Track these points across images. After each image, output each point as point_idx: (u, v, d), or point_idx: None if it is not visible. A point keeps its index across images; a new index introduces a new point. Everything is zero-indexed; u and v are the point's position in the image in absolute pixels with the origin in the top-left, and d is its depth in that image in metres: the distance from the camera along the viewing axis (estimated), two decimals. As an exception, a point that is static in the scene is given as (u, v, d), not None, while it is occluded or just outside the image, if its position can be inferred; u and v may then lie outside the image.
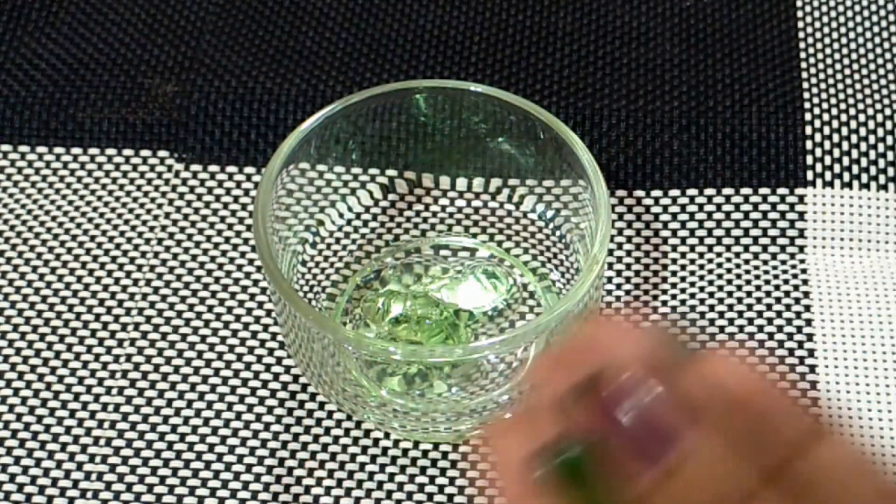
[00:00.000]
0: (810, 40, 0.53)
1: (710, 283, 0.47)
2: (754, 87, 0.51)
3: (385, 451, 0.44)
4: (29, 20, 0.54)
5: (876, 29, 0.53)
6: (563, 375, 0.29)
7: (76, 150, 0.51)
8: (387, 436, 0.45)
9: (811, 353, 0.46)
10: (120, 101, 0.52)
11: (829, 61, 0.52)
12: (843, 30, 0.53)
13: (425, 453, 0.44)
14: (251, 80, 0.52)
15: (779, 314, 0.47)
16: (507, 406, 0.43)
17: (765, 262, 0.48)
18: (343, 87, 0.52)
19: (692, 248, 0.48)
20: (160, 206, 0.50)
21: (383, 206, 0.49)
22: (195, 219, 0.49)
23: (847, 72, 0.52)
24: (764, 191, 0.49)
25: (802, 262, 0.48)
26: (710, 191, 0.49)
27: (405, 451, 0.44)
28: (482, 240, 0.48)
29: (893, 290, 0.47)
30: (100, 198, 0.50)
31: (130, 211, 0.50)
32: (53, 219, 0.50)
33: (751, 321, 0.46)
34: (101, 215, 0.50)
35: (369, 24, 0.54)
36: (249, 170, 0.50)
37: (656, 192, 0.49)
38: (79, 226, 0.49)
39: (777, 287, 0.47)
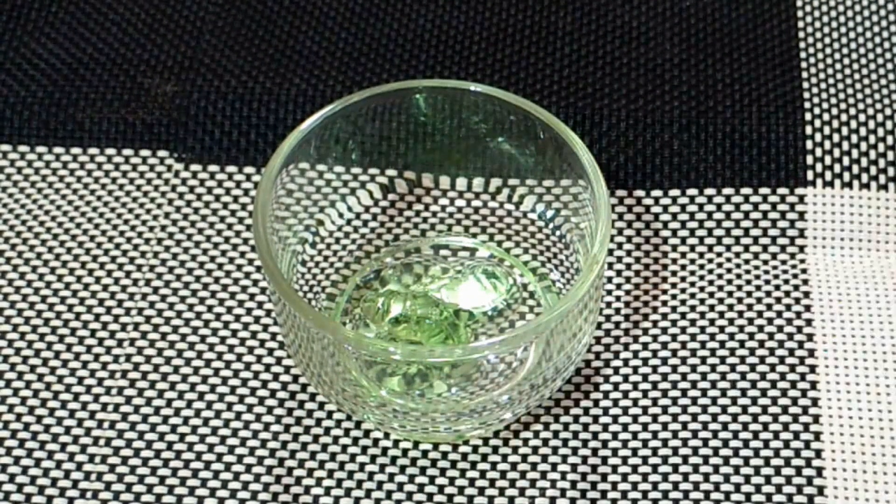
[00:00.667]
0: (810, 40, 0.53)
1: (710, 283, 0.47)
2: (754, 87, 0.51)
3: (385, 451, 0.44)
4: (29, 20, 0.54)
5: (876, 29, 0.53)
6: None
7: (76, 150, 0.51)
8: (387, 436, 0.45)
9: (811, 353, 0.46)
10: (120, 101, 0.52)
11: (829, 61, 0.52)
12: (843, 30, 0.53)
13: (425, 453, 0.44)
14: (251, 80, 0.52)
15: (779, 314, 0.47)
16: (507, 406, 0.43)
17: (765, 262, 0.48)
18: (343, 87, 0.52)
19: (692, 248, 0.48)
20: (160, 206, 0.50)
21: (383, 206, 0.49)
22: (195, 219, 0.49)
23: (847, 72, 0.52)
24: (764, 191, 0.49)
25: (802, 262, 0.48)
26: (710, 191, 0.49)
27: (405, 451, 0.44)
28: (482, 240, 0.48)
29: (893, 290, 0.47)
30: (99, 198, 0.50)
31: (130, 211, 0.50)
32: (53, 219, 0.50)
33: (751, 321, 0.46)
34: (101, 215, 0.50)
35: (369, 24, 0.54)
36: (249, 170, 0.50)
37: (656, 192, 0.49)
38: (78, 226, 0.49)
39: (777, 287, 0.47)
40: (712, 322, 0.46)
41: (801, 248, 0.48)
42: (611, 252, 0.48)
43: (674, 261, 0.48)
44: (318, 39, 0.54)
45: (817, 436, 0.44)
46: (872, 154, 0.49)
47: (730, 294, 0.47)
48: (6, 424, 0.45)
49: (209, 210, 0.50)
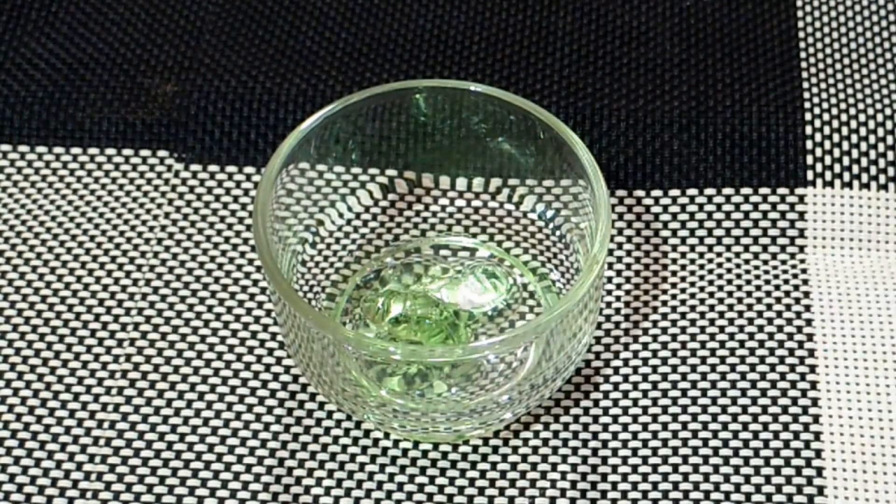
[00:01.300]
0: (810, 40, 0.53)
1: (710, 283, 0.47)
2: (754, 87, 0.51)
3: (385, 451, 0.44)
4: (29, 20, 0.54)
5: (876, 29, 0.53)
6: None
7: (76, 150, 0.51)
8: (387, 436, 0.45)
9: (811, 353, 0.46)
10: (120, 101, 0.52)
11: (829, 61, 0.52)
12: (843, 30, 0.53)
13: (425, 453, 0.44)
14: (251, 80, 0.52)
15: (779, 314, 0.47)
16: (507, 406, 0.43)
17: (765, 262, 0.48)
18: (343, 87, 0.52)
19: (692, 248, 0.48)
20: (160, 206, 0.50)
21: (383, 206, 0.49)
22: (195, 219, 0.49)
23: (847, 72, 0.52)
24: (764, 191, 0.49)
25: (802, 262, 0.48)
26: (710, 191, 0.49)
27: (405, 451, 0.44)
28: (482, 240, 0.48)
29: (893, 290, 0.47)
30: (99, 198, 0.50)
31: (130, 211, 0.50)
32: (53, 219, 0.50)
33: (751, 321, 0.46)
34: (101, 215, 0.50)
35: (369, 24, 0.54)
36: (249, 170, 0.50)
37: (656, 192, 0.49)
38: (78, 226, 0.49)
39: (777, 287, 0.47)
40: (712, 322, 0.46)
41: (801, 248, 0.48)
42: (611, 252, 0.48)
43: (674, 261, 0.48)
44: (318, 39, 0.54)
45: (817, 436, 0.44)
46: (872, 154, 0.49)
47: (730, 294, 0.47)
48: (6, 424, 0.45)
49: (209, 210, 0.50)
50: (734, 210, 0.49)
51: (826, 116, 0.50)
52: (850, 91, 0.51)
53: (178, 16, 0.55)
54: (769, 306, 0.47)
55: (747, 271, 0.48)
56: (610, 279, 0.48)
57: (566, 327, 0.41)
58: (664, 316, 0.47)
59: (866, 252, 0.48)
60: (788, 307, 0.47)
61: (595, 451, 0.44)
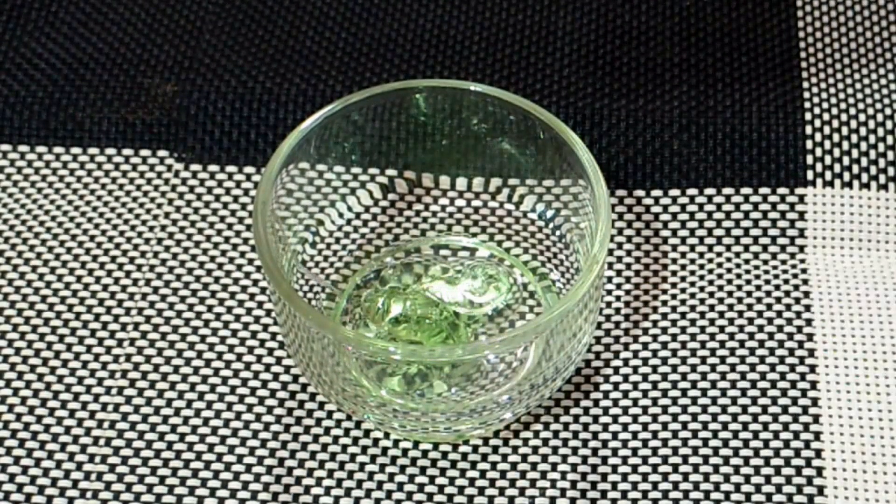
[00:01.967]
0: (810, 40, 0.53)
1: (710, 283, 0.47)
2: (754, 87, 0.51)
3: (385, 451, 0.44)
4: (29, 20, 0.54)
5: (876, 29, 0.53)
6: None
7: (76, 150, 0.51)
8: (387, 436, 0.45)
9: (811, 353, 0.46)
10: (120, 100, 0.52)
11: (829, 61, 0.52)
12: (843, 30, 0.53)
13: (425, 453, 0.44)
14: (251, 80, 0.52)
15: (779, 314, 0.47)
16: (507, 406, 0.43)
17: (765, 262, 0.48)
18: (343, 87, 0.52)
19: (692, 248, 0.48)
20: (160, 205, 0.50)
21: (383, 206, 0.49)
22: (195, 219, 0.49)
23: (847, 72, 0.52)
24: (764, 191, 0.49)
25: (802, 262, 0.48)
26: (710, 191, 0.49)
27: (405, 451, 0.44)
28: (482, 240, 0.48)
29: (893, 290, 0.47)
30: (99, 198, 0.50)
31: (130, 211, 0.50)
32: (53, 219, 0.50)
33: (751, 321, 0.46)
34: (101, 215, 0.50)
35: (369, 24, 0.54)
36: (249, 169, 0.50)
37: (656, 192, 0.49)
38: (78, 226, 0.49)
39: (777, 287, 0.47)
40: (712, 322, 0.46)
41: (801, 248, 0.48)
42: (611, 252, 0.48)
43: (674, 261, 0.48)
44: (318, 39, 0.54)
45: (817, 436, 0.44)
46: (872, 154, 0.49)
47: (730, 294, 0.47)
48: (6, 424, 0.45)
49: (209, 210, 0.50)
50: (734, 210, 0.49)
51: (826, 116, 0.50)
52: (850, 91, 0.51)
53: (178, 16, 0.55)
54: (769, 306, 0.47)
55: (747, 271, 0.48)
56: (610, 279, 0.48)
57: (566, 327, 0.41)
58: (664, 316, 0.47)
59: (866, 252, 0.48)
60: (788, 307, 0.47)
61: (595, 451, 0.44)
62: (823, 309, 0.47)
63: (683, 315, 0.47)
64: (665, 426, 0.44)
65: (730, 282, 0.47)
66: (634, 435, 0.44)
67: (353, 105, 0.45)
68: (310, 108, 0.51)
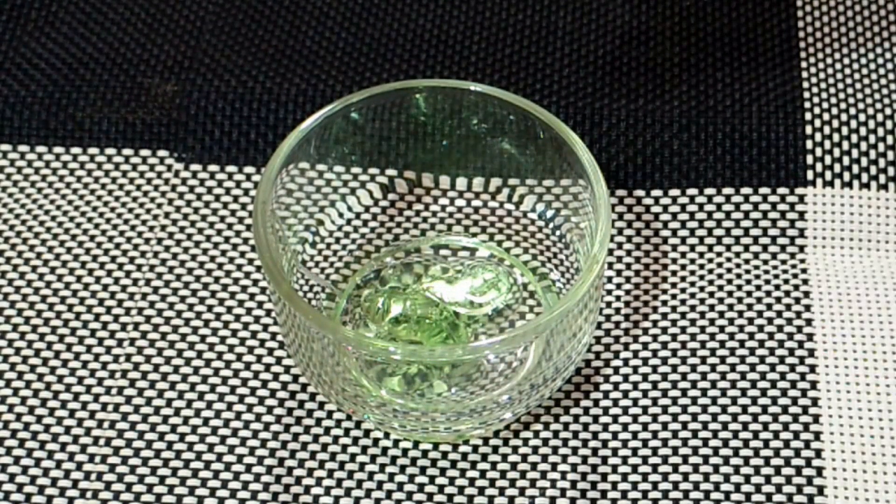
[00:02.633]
0: (810, 40, 0.53)
1: (710, 283, 0.47)
2: (754, 87, 0.51)
3: (385, 451, 0.44)
4: (29, 20, 0.54)
5: (876, 29, 0.53)
6: None
7: (76, 150, 0.51)
8: (387, 436, 0.45)
9: (811, 352, 0.46)
10: (120, 100, 0.52)
11: (829, 61, 0.52)
12: (843, 30, 0.53)
13: (425, 453, 0.44)
14: (251, 80, 0.52)
15: (779, 314, 0.47)
16: (507, 406, 0.43)
17: (765, 262, 0.48)
18: (343, 87, 0.52)
19: (692, 248, 0.48)
20: (160, 205, 0.50)
21: (383, 206, 0.49)
22: (195, 219, 0.49)
23: (847, 72, 0.52)
24: (764, 190, 0.49)
25: (802, 262, 0.48)
26: (710, 191, 0.49)
27: (405, 451, 0.44)
28: (482, 240, 0.48)
29: (893, 290, 0.47)
30: (99, 197, 0.50)
31: (130, 211, 0.50)
32: (53, 219, 0.50)
33: (751, 321, 0.46)
34: (101, 215, 0.50)
35: (369, 24, 0.54)
36: (249, 169, 0.50)
37: (656, 192, 0.49)
38: (78, 225, 0.49)
39: (777, 287, 0.47)
40: (712, 322, 0.46)
41: (801, 248, 0.48)
42: (611, 252, 0.48)
43: (674, 261, 0.48)
44: (318, 39, 0.54)
45: (817, 436, 0.44)
46: (872, 154, 0.49)
47: (730, 294, 0.47)
48: (6, 424, 0.45)
49: (209, 210, 0.50)
50: (734, 210, 0.49)
51: (826, 116, 0.50)
52: (850, 91, 0.51)
53: (178, 16, 0.55)
54: (769, 306, 0.47)
55: (747, 271, 0.48)
56: (610, 279, 0.48)
57: (566, 327, 0.41)
58: (664, 316, 0.47)
59: (866, 252, 0.48)
60: (788, 307, 0.47)
61: (595, 451, 0.44)
62: (823, 309, 0.47)
63: (683, 315, 0.47)
64: (665, 426, 0.44)
65: (730, 282, 0.47)
66: (634, 435, 0.44)
67: (353, 105, 0.45)
68: (310, 108, 0.51)
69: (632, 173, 0.50)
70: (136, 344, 0.47)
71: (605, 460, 0.44)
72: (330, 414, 0.45)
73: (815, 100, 0.51)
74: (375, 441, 0.45)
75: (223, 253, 0.49)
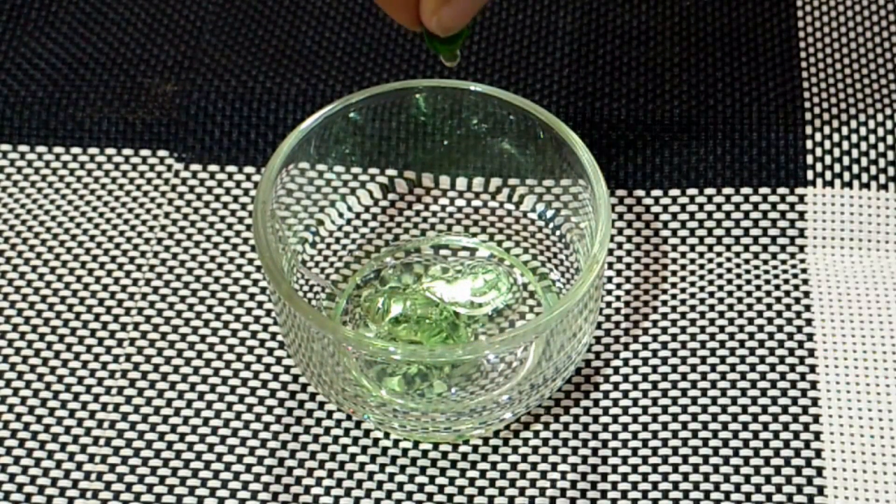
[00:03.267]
0: (810, 40, 0.53)
1: (710, 283, 0.47)
2: (754, 87, 0.51)
3: (385, 451, 0.44)
4: (29, 20, 0.54)
5: (876, 29, 0.53)
6: None
7: (76, 150, 0.51)
8: (387, 436, 0.45)
9: (811, 352, 0.46)
10: (120, 100, 0.52)
11: (829, 61, 0.52)
12: (843, 30, 0.53)
13: (425, 453, 0.44)
14: (251, 80, 0.52)
15: (779, 314, 0.47)
16: (507, 406, 0.43)
17: (765, 262, 0.48)
18: (343, 87, 0.52)
19: (692, 248, 0.48)
20: (160, 205, 0.50)
21: (383, 206, 0.49)
22: (195, 219, 0.49)
23: (847, 72, 0.52)
24: (764, 190, 0.49)
25: (802, 262, 0.48)
26: (710, 191, 0.49)
27: (405, 451, 0.44)
28: (482, 240, 0.48)
29: (893, 290, 0.47)
30: (99, 197, 0.50)
31: (130, 211, 0.50)
32: (53, 219, 0.50)
33: (751, 321, 0.46)
34: (101, 215, 0.50)
35: (369, 24, 0.54)
36: (249, 169, 0.50)
37: (656, 192, 0.49)
38: (78, 225, 0.49)
39: (777, 287, 0.47)
40: (712, 322, 0.46)
41: (801, 248, 0.48)
42: (611, 252, 0.48)
43: (674, 261, 0.48)
44: (318, 39, 0.54)
45: (817, 436, 0.44)
46: (872, 154, 0.49)
47: (730, 294, 0.47)
48: (6, 424, 0.45)
49: (209, 210, 0.50)
50: (734, 210, 0.49)
51: (826, 116, 0.50)
52: (850, 91, 0.51)
53: (178, 16, 0.55)
54: (769, 306, 0.47)
55: (747, 271, 0.48)
56: (610, 279, 0.48)
57: (566, 327, 0.41)
58: (664, 316, 0.47)
59: (866, 252, 0.48)
60: (788, 307, 0.47)
61: (595, 451, 0.44)
62: (823, 309, 0.47)
63: (683, 315, 0.47)
64: (665, 426, 0.44)
65: (730, 282, 0.47)
66: (634, 435, 0.44)
67: (353, 105, 0.45)
68: (310, 108, 0.51)
69: (632, 173, 0.50)
70: (136, 344, 0.47)
71: (605, 460, 0.44)
72: (330, 414, 0.45)
73: (815, 100, 0.51)
74: (375, 441, 0.45)
75: (223, 253, 0.49)
